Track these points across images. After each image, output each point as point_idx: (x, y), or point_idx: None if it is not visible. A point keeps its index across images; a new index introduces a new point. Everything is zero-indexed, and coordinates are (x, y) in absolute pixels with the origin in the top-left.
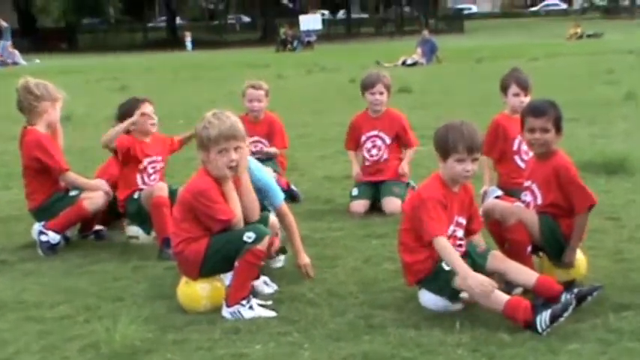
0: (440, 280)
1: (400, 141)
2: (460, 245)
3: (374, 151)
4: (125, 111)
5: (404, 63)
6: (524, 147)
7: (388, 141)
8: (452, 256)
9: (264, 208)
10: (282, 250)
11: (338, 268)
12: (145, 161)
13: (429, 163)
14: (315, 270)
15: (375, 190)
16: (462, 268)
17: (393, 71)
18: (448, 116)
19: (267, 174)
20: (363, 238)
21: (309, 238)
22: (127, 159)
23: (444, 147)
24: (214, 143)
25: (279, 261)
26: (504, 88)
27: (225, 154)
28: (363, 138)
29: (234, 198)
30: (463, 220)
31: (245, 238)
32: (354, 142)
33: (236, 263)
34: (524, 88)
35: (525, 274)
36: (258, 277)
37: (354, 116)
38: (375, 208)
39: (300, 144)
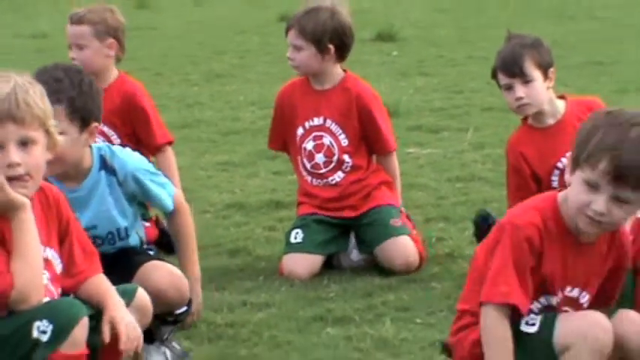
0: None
1: (367, 140)
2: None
3: (319, 157)
4: None
5: None
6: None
7: (344, 139)
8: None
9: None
10: None
11: None
12: None
13: (432, 179)
14: None
15: (337, 233)
16: None
17: None
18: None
19: (141, 161)
20: (309, 323)
21: (205, 325)
22: None
23: (578, 148)
24: None
25: None
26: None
27: None
28: (300, 130)
29: (25, 246)
30: (583, 296)
31: (35, 333)
32: (280, 137)
33: None
34: (515, 72)
35: None
36: None
37: (284, 86)
38: (332, 264)
39: (183, 140)
